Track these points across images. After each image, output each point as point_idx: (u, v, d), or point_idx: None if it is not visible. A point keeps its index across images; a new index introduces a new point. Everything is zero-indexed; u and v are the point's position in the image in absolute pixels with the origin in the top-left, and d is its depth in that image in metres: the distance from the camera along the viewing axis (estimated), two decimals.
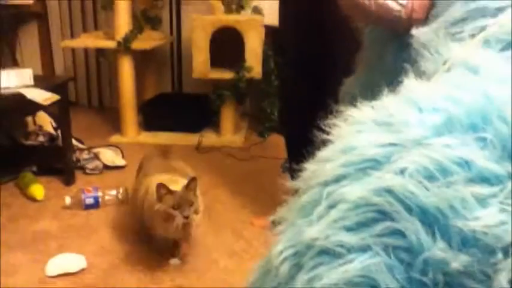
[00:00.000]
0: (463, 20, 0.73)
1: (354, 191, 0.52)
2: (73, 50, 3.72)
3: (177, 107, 3.23)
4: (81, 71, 3.77)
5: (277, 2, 2.03)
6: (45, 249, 1.91)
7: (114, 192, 2.29)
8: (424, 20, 0.83)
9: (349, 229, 0.50)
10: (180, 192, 1.65)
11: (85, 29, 3.63)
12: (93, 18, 3.64)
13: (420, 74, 0.67)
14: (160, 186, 1.63)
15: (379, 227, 0.49)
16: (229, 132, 3.11)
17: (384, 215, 0.50)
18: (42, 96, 2.20)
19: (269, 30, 2.93)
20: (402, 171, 0.51)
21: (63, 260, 1.82)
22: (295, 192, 0.63)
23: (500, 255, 0.45)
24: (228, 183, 2.50)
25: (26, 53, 3.67)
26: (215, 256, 1.87)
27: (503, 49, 0.65)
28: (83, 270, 1.78)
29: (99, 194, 2.26)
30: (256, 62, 2.90)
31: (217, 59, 2.95)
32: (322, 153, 0.61)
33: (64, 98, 2.38)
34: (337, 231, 0.51)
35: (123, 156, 2.76)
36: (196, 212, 1.67)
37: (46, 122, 2.72)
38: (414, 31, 0.79)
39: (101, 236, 2.02)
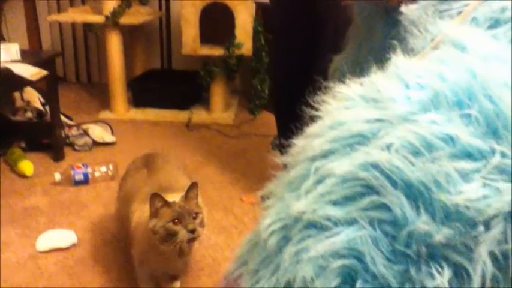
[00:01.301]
0: None
1: (341, 165, 0.53)
2: (60, 25, 3.67)
3: (167, 84, 3.21)
4: (69, 46, 3.72)
5: None
6: (35, 225, 1.92)
7: (103, 168, 2.29)
8: None
9: (336, 203, 0.52)
10: (180, 202, 1.33)
11: (72, 4, 3.57)
12: None
13: (408, 51, 0.68)
14: (155, 197, 1.32)
15: (365, 201, 0.50)
16: (219, 110, 3.11)
17: (370, 189, 0.51)
18: (29, 71, 2.17)
19: (259, 6, 2.91)
20: (388, 147, 0.52)
21: (54, 235, 1.83)
22: (284, 167, 0.64)
23: (481, 228, 0.47)
24: (218, 161, 2.51)
25: (12, 27, 3.61)
26: (205, 232, 1.89)
27: (490, 27, 0.66)
28: (73, 245, 1.79)
29: (89, 170, 2.26)
30: (246, 39, 2.88)
31: (207, 35, 2.92)
32: (311, 129, 0.62)
33: (52, 73, 2.36)
34: (324, 205, 0.52)
35: (112, 133, 2.75)
36: (201, 224, 1.35)
37: (34, 97, 2.69)
38: (403, 8, 0.79)
39: (91, 212, 2.03)
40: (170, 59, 3.53)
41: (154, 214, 1.33)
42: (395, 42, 0.71)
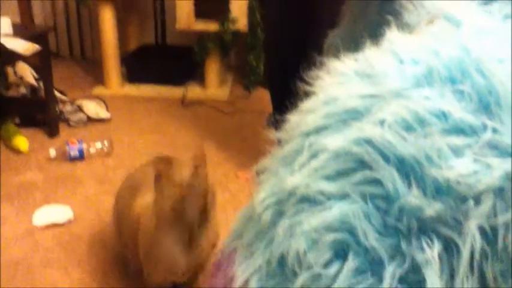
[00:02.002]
0: None
1: (335, 141, 0.53)
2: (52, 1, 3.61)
3: (161, 59, 3.19)
4: (61, 20, 3.67)
5: None
6: (31, 200, 1.93)
7: (99, 144, 2.29)
8: None
9: (329, 178, 0.52)
10: (189, 180, 1.15)
11: None
12: None
13: (403, 27, 0.68)
14: (159, 175, 1.17)
15: (358, 176, 0.51)
16: (214, 86, 3.09)
17: (362, 164, 0.51)
18: (22, 46, 2.15)
19: None
20: (381, 122, 0.52)
21: (50, 210, 1.84)
22: (279, 143, 0.64)
23: (471, 203, 0.48)
24: (213, 137, 2.51)
25: (3, 1, 3.55)
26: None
27: (485, 3, 0.65)
28: (69, 221, 1.80)
29: (84, 146, 2.26)
30: (241, 14, 2.85)
31: (201, 10, 2.89)
32: (305, 105, 0.62)
33: (45, 48, 2.33)
34: (318, 179, 0.53)
35: (107, 109, 2.74)
36: (213, 204, 1.21)
37: (27, 73, 2.67)
38: None
39: (87, 188, 2.03)
40: (164, 34, 3.49)
41: (159, 195, 1.17)
42: (390, 18, 0.70)
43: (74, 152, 2.23)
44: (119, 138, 2.43)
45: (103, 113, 2.69)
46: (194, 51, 2.98)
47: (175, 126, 2.61)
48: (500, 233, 0.46)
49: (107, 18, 2.92)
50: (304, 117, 0.60)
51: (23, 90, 2.62)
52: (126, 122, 2.65)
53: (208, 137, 2.50)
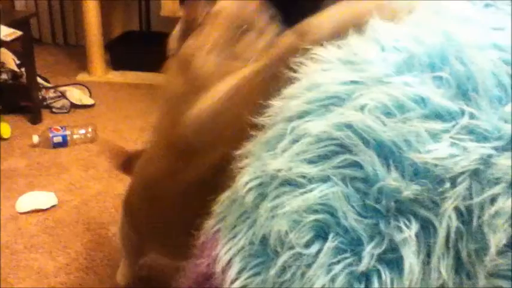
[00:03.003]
0: None
1: (317, 125, 0.54)
2: None
3: (145, 46, 3.16)
4: (44, 6, 3.61)
5: None
6: (15, 186, 1.92)
7: (83, 131, 2.28)
8: None
9: (310, 161, 0.53)
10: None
11: None
12: None
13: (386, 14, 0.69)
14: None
15: (339, 159, 0.52)
16: None
17: (343, 148, 0.53)
18: (3, 31, 2.12)
19: None
20: (362, 108, 0.53)
21: (34, 197, 1.84)
22: (262, 127, 0.65)
23: (448, 185, 0.49)
24: None
25: None
26: None
27: None
28: (53, 206, 1.80)
29: (68, 132, 2.24)
30: None
31: None
32: (288, 91, 0.63)
33: (27, 34, 2.30)
34: (300, 163, 0.54)
35: (91, 95, 2.72)
36: None
37: (8, 59, 2.63)
38: None
39: (70, 174, 2.03)
40: (149, 20, 3.46)
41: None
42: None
43: (58, 138, 2.22)
44: (103, 124, 2.41)
45: (87, 100, 2.67)
46: None
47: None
48: (475, 213, 0.48)
49: (91, 5, 2.88)
50: (287, 102, 0.61)
51: (4, 76, 2.58)
52: (110, 109, 2.64)
53: None
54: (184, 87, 0.88)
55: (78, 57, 3.22)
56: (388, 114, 0.52)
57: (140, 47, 3.16)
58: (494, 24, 0.59)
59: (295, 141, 0.56)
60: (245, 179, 0.58)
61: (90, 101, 2.67)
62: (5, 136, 2.27)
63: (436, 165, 0.49)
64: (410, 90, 0.53)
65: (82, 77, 3.01)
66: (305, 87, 0.61)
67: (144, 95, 2.83)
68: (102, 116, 2.54)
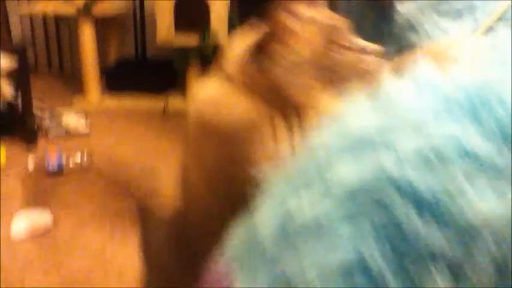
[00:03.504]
0: None
1: (349, 173, 0.52)
2: (30, 15, 3.53)
3: (141, 73, 3.16)
4: (40, 35, 3.60)
5: None
6: (10, 210, 1.89)
7: (78, 157, 2.25)
8: None
9: (340, 218, 0.51)
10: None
11: None
12: None
13: (402, 49, 0.67)
14: None
15: (375, 217, 0.50)
16: None
17: (378, 203, 0.50)
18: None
19: None
20: (398, 155, 0.51)
21: (29, 219, 1.83)
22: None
23: (483, 232, 0.48)
24: None
25: None
26: None
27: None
28: (49, 227, 1.79)
29: (63, 159, 2.21)
30: (221, 26, 2.84)
31: (182, 21, 2.86)
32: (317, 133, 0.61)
33: (23, 62, 2.29)
34: (329, 215, 0.51)
35: (86, 122, 2.69)
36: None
37: (5, 87, 2.60)
38: (399, 6, 0.79)
39: (66, 198, 2.01)
40: (144, 46, 3.46)
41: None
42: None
43: (53, 166, 2.19)
44: (98, 151, 2.38)
45: (82, 127, 2.64)
46: (174, 65, 2.95)
47: (157, 141, 2.58)
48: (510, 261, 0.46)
49: (87, 36, 2.88)
50: (314, 140, 0.58)
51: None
52: (106, 136, 2.61)
53: None
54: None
55: (74, 84, 3.19)
56: (426, 162, 0.50)
57: (135, 74, 3.15)
58: None
59: (326, 192, 0.53)
60: (265, 217, 0.56)
61: (85, 129, 2.64)
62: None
63: (471, 212, 0.48)
64: (449, 136, 0.52)
65: (78, 104, 2.98)
66: (335, 131, 0.59)
67: (140, 120, 2.81)
68: (97, 143, 2.51)
